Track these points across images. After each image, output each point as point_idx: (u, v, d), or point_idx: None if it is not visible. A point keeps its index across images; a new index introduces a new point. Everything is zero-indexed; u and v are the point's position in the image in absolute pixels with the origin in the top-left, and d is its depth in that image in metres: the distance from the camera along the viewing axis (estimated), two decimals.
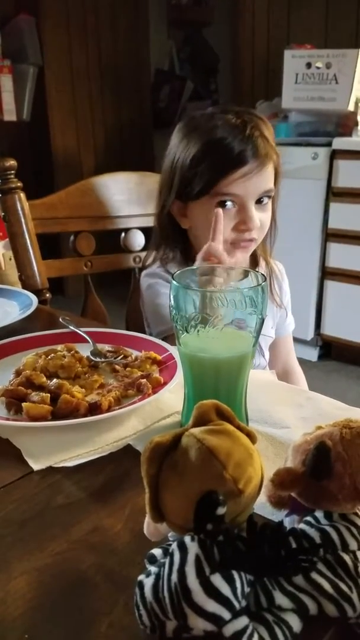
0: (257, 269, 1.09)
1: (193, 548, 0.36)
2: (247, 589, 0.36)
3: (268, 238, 1.10)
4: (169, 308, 0.58)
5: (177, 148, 1.02)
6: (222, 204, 0.97)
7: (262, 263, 1.14)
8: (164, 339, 0.84)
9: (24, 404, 0.65)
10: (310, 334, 2.82)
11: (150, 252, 1.15)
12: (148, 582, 0.37)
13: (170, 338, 0.77)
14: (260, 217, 1.00)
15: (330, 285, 2.75)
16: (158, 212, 1.08)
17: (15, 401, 0.67)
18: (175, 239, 1.08)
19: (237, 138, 0.95)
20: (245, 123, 0.97)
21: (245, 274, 0.63)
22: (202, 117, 1.02)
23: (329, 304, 2.77)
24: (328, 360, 2.91)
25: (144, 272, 1.12)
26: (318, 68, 2.65)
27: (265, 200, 1.01)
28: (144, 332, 1.03)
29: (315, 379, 2.49)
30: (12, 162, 1.18)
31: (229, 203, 0.98)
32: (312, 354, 2.89)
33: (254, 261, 1.14)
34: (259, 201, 1.00)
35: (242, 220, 0.98)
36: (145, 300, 1.11)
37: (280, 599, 0.37)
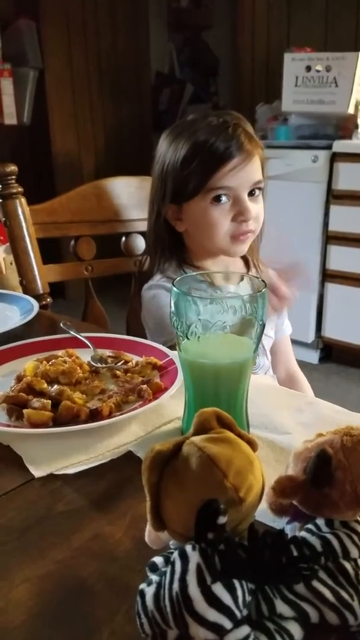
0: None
1: (194, 557, 0.36)
2: (248, 598, 0.36)
3: (258, 236, 1.11)
4: (170, 314, 0.59)
5: (166, 154, 1.04)
6: (217, 199, 1.00)
7: (250, 265, 1.15)
8: (169, 348, 0.85)
9: (25, 411, 0.65)
10: (311, 337, 2.82)
11: (145, 259, 1.16)
12: (149, 591, 0.37)
13: (174, 347, 0.77)
14: (254, 209, 1.02)
15: (331, 288, 2.75)
16: (153, 219, 1.10)
17: (16, 407, 0.67)
18: (171, 244, 1.10)
19: (220, 137, 0.99)
20: (226, 122, 1.01)
21: (244, 279, 0.63)
22: (184, 123, 1.06)
23: (330, 306, 2.77)
24: (329, 362, 2.91)
25: (145, 286, 1.13)
26: (318, 71, 2.66)
27: (257, 192, 1.04)
28: (145, 337, 1.03)
29: (316, 381, 2.47)
30: (12, 168, 1.18)
31: (223, 197, 1.00)
32: (313, 357, 2.89)
33: (246, 264, 1.15)
34: (250, 193, 1.03)
35: (239, 212, 1.01)
36: (147, 312, 1.11)
37: (282, 607, 0.37)
